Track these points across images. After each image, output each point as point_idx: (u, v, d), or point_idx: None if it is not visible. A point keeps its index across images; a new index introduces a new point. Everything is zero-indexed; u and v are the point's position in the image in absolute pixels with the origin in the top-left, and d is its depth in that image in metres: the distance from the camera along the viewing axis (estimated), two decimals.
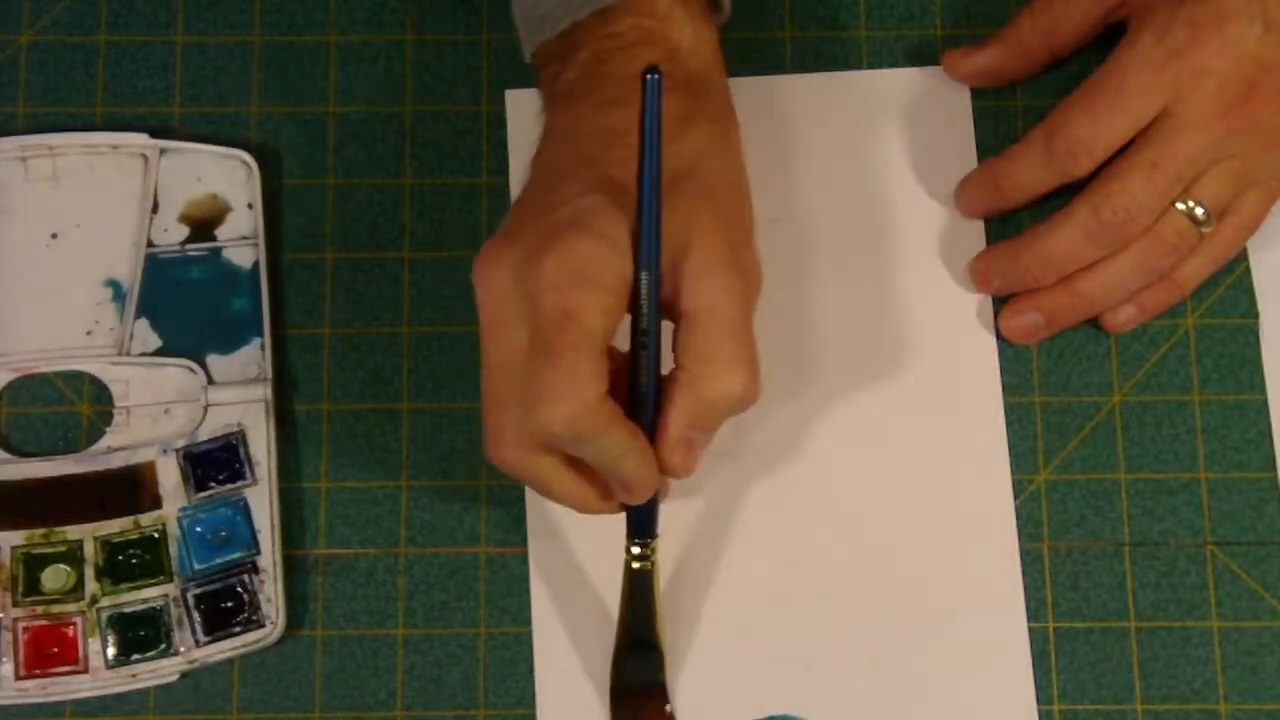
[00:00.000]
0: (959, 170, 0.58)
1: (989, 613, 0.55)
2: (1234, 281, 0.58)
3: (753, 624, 0.55)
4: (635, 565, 0.52)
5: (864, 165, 0.58)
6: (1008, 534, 0.56)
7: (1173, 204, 0.54)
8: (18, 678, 0.54)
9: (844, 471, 0.56)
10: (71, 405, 0.57)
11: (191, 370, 0.56)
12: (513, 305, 0.46)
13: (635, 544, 0.52)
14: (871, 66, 0.59)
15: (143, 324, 0.57)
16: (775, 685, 0.55)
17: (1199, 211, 0.54)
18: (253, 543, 0.55)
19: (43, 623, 0.54)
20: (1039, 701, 0.55)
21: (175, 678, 0.54)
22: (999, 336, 0.57)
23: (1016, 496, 0.56)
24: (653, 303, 0.46)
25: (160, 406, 0.56)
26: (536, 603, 0.55)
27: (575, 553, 0.55)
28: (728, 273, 0.47)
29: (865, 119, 0.59)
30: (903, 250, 0.58)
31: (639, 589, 0.52)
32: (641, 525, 0.52)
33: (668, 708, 0.54)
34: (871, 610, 0.55)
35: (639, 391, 0.48)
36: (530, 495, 0.56)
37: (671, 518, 0.55)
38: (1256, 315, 0.58)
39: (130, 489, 0.55)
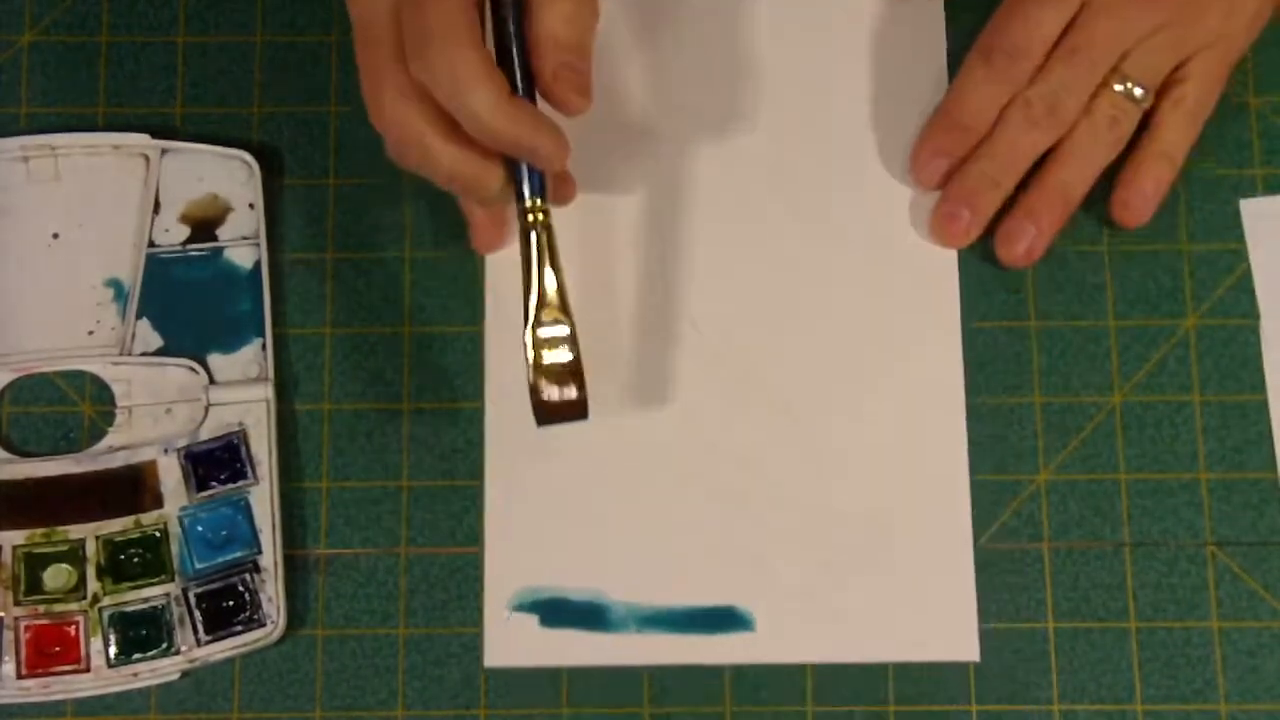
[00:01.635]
0: (930, 91, 0.59)
1: (935, 523, 0.56)
2: (1234, 282, 0.58)
3: (703, 521, 0.56)
4: (529, 222, 0.51)
5: (833, 83, 0.59)
6: (957, 447, 0.56)
7: (1107, 86, 0.56)
8: (19, 676, 0.54)
9: (798, 376, 0.57)
10: (73, 405, 0.57)
11: (193, 370, 0.56)
12: None
13: (528, 206, 0.51)
14: None
15: (144, 324, 0.57)
16: (723, 580, 0.55)
17: (1137, 91, 0.56)
18: (254, 542, 0.55)
19: (44, 622, 0.54)
20: (1039, 702, 0.55)
21: (176, 677, 0.54)
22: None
23: (1016, 496, 0.56)
24: None
25: (161, 406, 0.56)
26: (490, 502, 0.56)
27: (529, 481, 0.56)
28: None
29: (838, 37, 0.60)
30: (869, 168, 0.59)
31: (541, 256, 0.51)
32: (532, 183, 0.51)
33: (584, 392, 0.52)
34: (819, 512, 0.56)
35: (505, 49, 0.50)
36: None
37: (638, 428, 0.57)
38: (1257, 316, 0.57)
39: (131, 488, 0.55)
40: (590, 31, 0.50)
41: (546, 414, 0.51)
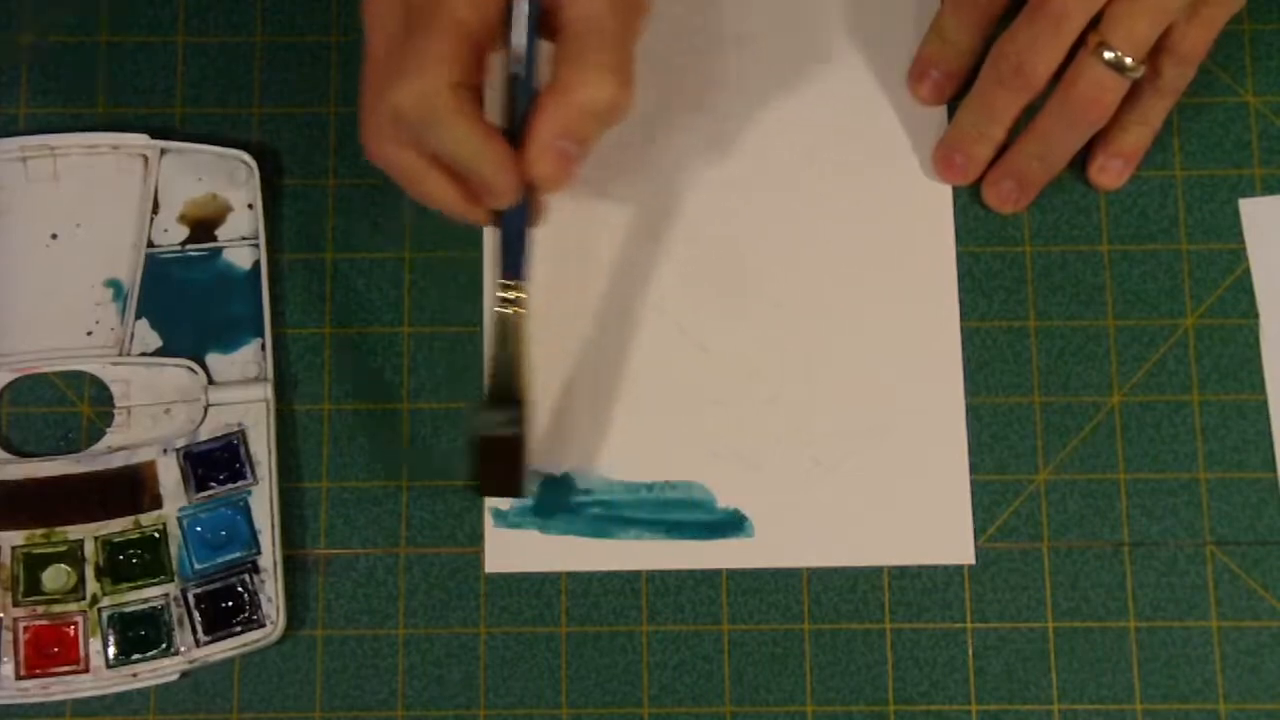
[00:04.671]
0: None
1: (932, 430, 0.57)
2: (1234, 282, 0.58)
3: (700, 426, 0.56)
4: (500, 309, 0.51)
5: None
6: (952, 367, 0.57)
7: (1091, 52, 0.53)
8: (18, 677, 0.54)
9: (794, 286, 0.58)
10: (72, 405, 0.57)
11: (192, 370, 0.56)
12: (394, 2, 0.48)
13: (503, 285, 0.51)
14: None
15: (143, 324, 0.57)
16: (720, 483, 0.56)
17: (1127, 60, 0.53)
18: (253, 542, 0.55)
19: (43, 622, 0.54)
20: (1039, 702, 0.55)
21: (176, 677, 0.54)
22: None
23: (1016, 496, 0.56)
24: (527, 23, 0.48)
25: (161, 406, 0.56)
26: None
27: None
28: None
29: None
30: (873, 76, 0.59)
31: (505, 337, 0.52)
32: (510, 261, 0.51)
33: (526, 462, 0.53)
34: (817, 419, 0.57)
35: (515, 117, 0.49)
36: None
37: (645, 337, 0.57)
38: (1256, 316, 0.58)
39: (131, 489, 0.55)
40: (607, 128, 0.49)
41: (483, 488, 0.54)
